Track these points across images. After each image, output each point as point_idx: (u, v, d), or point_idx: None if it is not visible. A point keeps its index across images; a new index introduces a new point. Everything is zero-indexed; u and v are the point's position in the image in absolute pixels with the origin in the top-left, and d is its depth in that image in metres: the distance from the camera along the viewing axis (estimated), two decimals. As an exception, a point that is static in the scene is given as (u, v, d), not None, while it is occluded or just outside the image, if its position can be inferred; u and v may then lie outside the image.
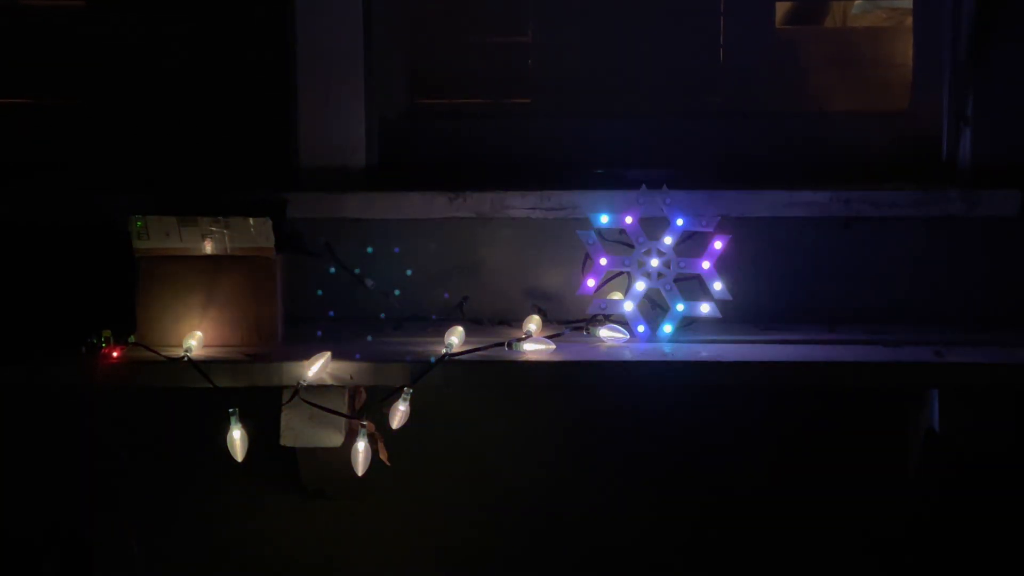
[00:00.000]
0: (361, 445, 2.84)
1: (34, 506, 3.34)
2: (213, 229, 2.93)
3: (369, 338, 3.02)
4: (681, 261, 3.01)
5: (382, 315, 3.16)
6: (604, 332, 3.02)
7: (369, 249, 3.17)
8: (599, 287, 3.06)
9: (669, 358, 2.87)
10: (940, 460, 3.15)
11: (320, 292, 3.15)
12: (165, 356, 2.83)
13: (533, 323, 2.96)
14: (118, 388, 2.95)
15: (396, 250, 3.18)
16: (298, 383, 2.78)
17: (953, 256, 3.25)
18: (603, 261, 3.03)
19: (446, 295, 3.20)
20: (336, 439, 2.87)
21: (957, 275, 3.24)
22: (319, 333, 2.99)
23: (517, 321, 3.07)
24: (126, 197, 3.17)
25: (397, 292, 3.18)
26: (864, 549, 3.29)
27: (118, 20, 3.35)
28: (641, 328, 3.00)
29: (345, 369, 2.80)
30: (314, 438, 2.87)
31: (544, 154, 3.47)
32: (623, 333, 3.01)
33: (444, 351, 2.83)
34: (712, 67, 3.58)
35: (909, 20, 3.61)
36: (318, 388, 2.80)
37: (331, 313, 3.14)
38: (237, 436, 2.82)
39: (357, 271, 3.14)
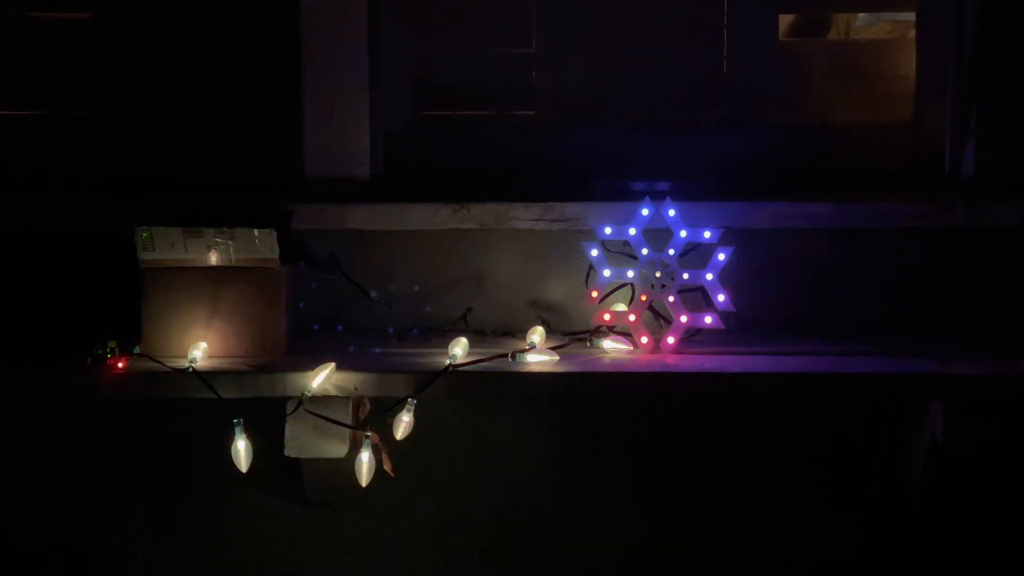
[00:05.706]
0: (365, 456, 2.84)
1: (37, 514, 3.34)
2: (218, 240, 2.94)
3: (351, 348, 3.02)
4: (685, 272, 3.01)
5: (390, 329, 3.18)
6: (608, 343, 3.03)
7: None
8: (603, 298, 3.06)
9: (672, 369, 2.87)
10: (944, 471, 3.14)
11: (321, 302, 3.17)
12: (170, 367, 2.83)
13: (537, 334, 2.96)
14: (123, 398, 2.97)
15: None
16: (302, 394, 2.78)
17: (957, 267, 3.24)
18: (607, 272, 3.04)
19: (428, 309, 3.23)
20: (340, 450, 2.87)
21: (961, 286, 3.24)
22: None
23: (521, 332, 3.07)
24: (132, 207, 3.17)
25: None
26: (865, 558, 3.29)
27: (125, 32, 3.36)
28: (645, 339, 3.00)
29: (349, 380, 2.81)
30: (318, 449, 2.87)
31: (548, 166, 3.47)
32: (627, 344, 3.02)
33: (448, 362, 2.83)
34: (715, 79, 3.58)
35: (912, 32, 3.61)
36: (322, 399, 2.80)
37: (339, 327, 3.20)
38: (241, 447, 2.82)
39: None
